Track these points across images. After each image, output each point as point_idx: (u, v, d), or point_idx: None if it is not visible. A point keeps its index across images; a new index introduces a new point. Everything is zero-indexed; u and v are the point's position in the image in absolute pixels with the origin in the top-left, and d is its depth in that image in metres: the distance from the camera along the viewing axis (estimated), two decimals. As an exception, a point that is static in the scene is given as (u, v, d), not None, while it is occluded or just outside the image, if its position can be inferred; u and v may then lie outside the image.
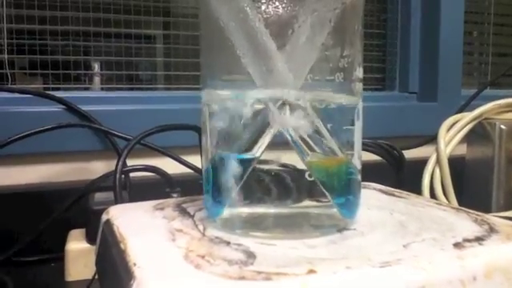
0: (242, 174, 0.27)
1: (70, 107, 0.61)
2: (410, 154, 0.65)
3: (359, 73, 0.29)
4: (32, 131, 0.55)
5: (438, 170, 0.61)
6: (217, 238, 0.27)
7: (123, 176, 0.50)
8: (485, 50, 1.04)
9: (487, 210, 0.60)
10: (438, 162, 0.61)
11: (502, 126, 0.62)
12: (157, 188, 0.49)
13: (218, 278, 0.21)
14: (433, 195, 0.60)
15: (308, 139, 0.27)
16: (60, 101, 0.61)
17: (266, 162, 0.28)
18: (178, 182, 0.51)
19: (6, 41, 0.67)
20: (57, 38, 0.71)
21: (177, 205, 0.35)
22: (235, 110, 0.28)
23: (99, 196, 0.52)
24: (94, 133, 0.63)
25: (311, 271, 0.22)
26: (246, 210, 0.28)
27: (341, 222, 0.29)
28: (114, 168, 0.46)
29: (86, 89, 0.76)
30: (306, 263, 0.23)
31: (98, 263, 0.33)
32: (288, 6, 0.26)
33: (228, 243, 0.26)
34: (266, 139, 0.27)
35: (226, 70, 0.29)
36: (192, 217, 0.32)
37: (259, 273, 0.22)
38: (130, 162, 0.50)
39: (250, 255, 0.24)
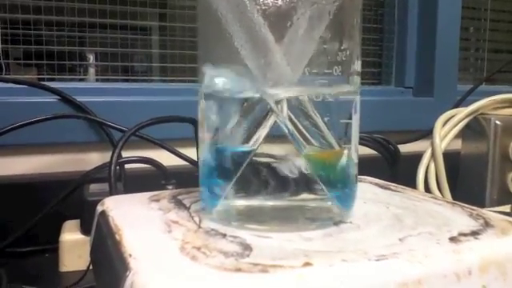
0: (239, 167, 0.27)
1: (64, 98, 0.61)
2: (405, 148, 0.65)
3: (357, 66, 0.29)
4: (26, 122, 0.55)
5: (432, 165, 0.61)
6: (213, 230, 0.27)
7: (118, 167, 0.49)
8: (481, 45, 1.05)
9: (481, 205, 0.60)
10: (433, 156, 0.61)
11: (497, 122, 0.62)
12: (152, 180, 0.49)
13: (214, 269, 0.21)
14: (427, 189, 0.60)
15: (305, 132, 0.27)
16: (55, 91, 0.61)
17: (262, 154, 0.27)
18: (173, 174, 0.51)
19: (0, 31, 0.67)
20: (52, 28, 0.70)
21: (172, 196, 0.35)
22: (232, 102, 0.28)
23: (94, 187, 0.51)
24: (89, 124, 0.62)
25: (307, 264, 0.22)
26: (242, 203, 0.28)
27: (337, 215, 0.29)
28: (108, 159, 0.46)
29: (81, 80, 0.75)
30: (302, 256, 0.23)
31: (92, 254, 0.33)
32: (287, -2, 0.26)
33: (224, 235, 0.26)
34: (262, 132, 0.27)
35: (223, 62, 0.28)
36: (188, 209, 0.32)
37: (255, 265, 0.22)
38: (125, 154, 0.50)
39: (246, 247, 0.24)
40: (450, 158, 0.63)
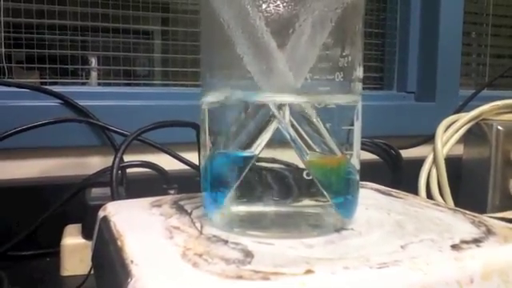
0: (241, 172, 0.27)
1: (67, 102, 0.61)
2: (407, 153, 0.65)
3: (359, 72, 0.29)
4: (29, 125, 0.55)
5: (434, 170, 0.61)
6: (214, 236, 0.27)
7: (120, 172, 0.49)
8: (483, 50, 1.05)
9: (483, 211, 0.60)
10: (435, 161, 0.61)
11: (499, 127, 0.62)
12: (154, 184, 0.49)
13: (215, 277, 0.21)
14: (429, 195, 0.60)
15: (307, 138, 0.27)
16: (57, 95, 0.61)
17: (264, 160, 0.27)
18: (174, 179, 0.51)
19: (3, 34, 0.67)
20: (54, 32, 0.70)
21: (174, 202, 0.35)
22: (234, 107, 0.28)
23: (95, 191, 0.51)
24: (91, 128, 0.62)
25: (309, 271, 0.22)
26: (243, 209, 0.28)
27: (339, 222, 0.29)
28: (110, 163, 0.46)
29: (83, 84, 0.76)
30: (303, 263, 0.23)
31: (94, 259, 0.33)
32: (289, 5, 0.26)
33: (226, 242, 0.26)
34: (265, 137, 0.27)
35: (225, 68, 0.28)
36: (189, 214, 0.32)
37: (257, 272, 0.22)
38: (127, 158, 0.50)
39: (248, 254, 0.24)
40: (452, 163, 0.63)
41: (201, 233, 0.28)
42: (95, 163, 0.64)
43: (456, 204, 0.59)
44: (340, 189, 0.28)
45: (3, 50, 0.67)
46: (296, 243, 0.26)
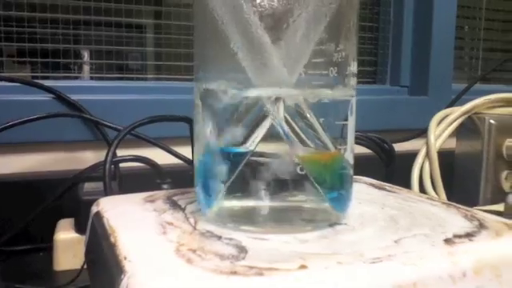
0: (235, 168, 0.27)
1: (59, 96, 0.61)
2: (400, 147, 0.66)
3: (353, 68, 0.29)
4: (20, 120, 0.55)
5: (427, 164, 0.61)
6: (208, 231, 0.27)
7: (113, 166, 0.49)
8: (476, 44, 1.05)
9: (475, 204, 0.61)
10: (428, 155, 0.61)
11: (492, 121, 0.62)
12: (147, 179, 0.49)
13: (209, 273, 0.21)
14: (422, 188, 0.60)
15: (301, 133, 0.27)
16: (49, 90, 0.61)
17: (258, 155, 0.27)
18: (168, 173, 0.51)
19: (-6, 28, 0.66)
20: (46, 25, 0.70)
21: (167, 197, 0.35)
22: (228, 102, 0.28)
23: (88, 186, 0.51)
24: (83, 123, 0.62)
25: (303, 266, 0.22)
26: (237, 204, 0.28)
27: (332, 217, 0.29)
28: (103, 158, 0.46)
29: (76, 78, 0.75)
30: (297, 258, 0.23)
31: (87, 254, 0.33)
32: (283, 0, 0.26)
33: (219, 237, 0.26)
34: (259, 133, 0.27)
35: (219, 63, 0.28)
36: (183, 210, 0.32)
37: (251, 268, 0.22)
38: (120, 153, 0.50)
39: (242, 250, 0.24)
40: (445, 156, 0.63)
41: (194, 228, 0.28)
42: (88, 158, 0.64)
43: (449, 197, 0.59)
44: (334, 184, 0.28)
45: (-6, 43, 0.67)
46: (290, 238, 0.26)
